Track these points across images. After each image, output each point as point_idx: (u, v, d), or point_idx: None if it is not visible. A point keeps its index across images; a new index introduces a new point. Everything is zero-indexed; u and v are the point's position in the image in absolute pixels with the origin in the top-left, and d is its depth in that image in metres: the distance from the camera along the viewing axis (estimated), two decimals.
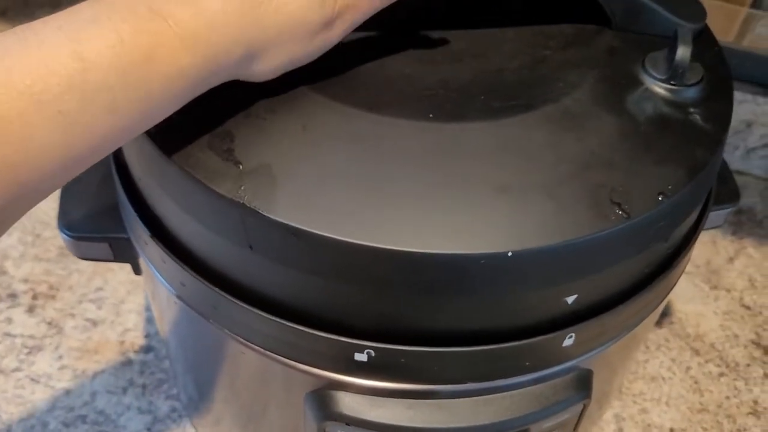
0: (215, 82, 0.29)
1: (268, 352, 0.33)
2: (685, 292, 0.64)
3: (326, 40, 0.31)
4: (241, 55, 0.28)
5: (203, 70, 0.27)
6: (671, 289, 0.37)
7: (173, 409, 0.54)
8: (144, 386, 0.55)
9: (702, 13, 0.38)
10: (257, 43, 0.28)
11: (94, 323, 0.58)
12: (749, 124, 0.69)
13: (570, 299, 0.30)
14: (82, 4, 0.26)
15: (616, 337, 0.34)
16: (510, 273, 0.28)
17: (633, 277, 0.33)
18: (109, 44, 0.25)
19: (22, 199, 0.25)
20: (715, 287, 0.65)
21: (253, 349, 0.33)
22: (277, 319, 0.30)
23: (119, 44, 0.25)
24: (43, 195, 0.26)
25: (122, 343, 0.57)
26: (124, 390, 0.54)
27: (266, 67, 0.30)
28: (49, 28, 0.25)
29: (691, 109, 0.34)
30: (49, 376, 0.55)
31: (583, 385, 0.34)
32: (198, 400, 0.47)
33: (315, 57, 0.31)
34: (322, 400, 0.33)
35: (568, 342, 0.32)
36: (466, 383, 0.32)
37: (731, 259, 0.67)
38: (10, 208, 0.25)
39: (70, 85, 0.24)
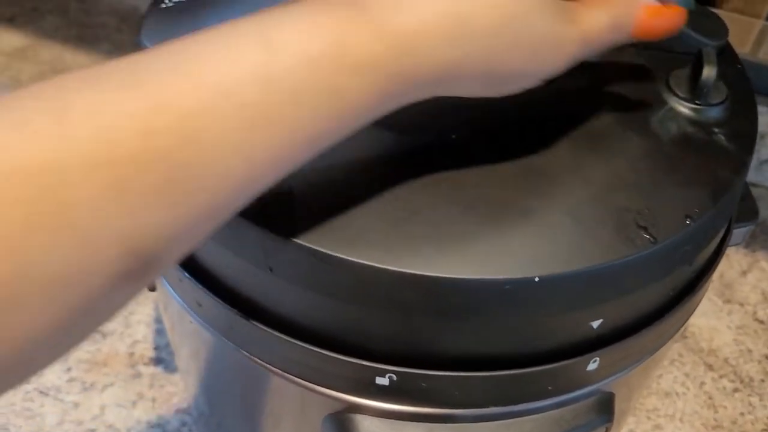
0: (414, 92, 0.25)
1: (286, 374, 0.32)
2: (699, 306, 0.63)
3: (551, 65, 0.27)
4: (446, 60, 0.25)
5: (397, 66, 0.24)
6: (694, 311, 0.36)
7: (183, 423, 0.53)
8: (154, 400, 0.54)
9: (724, 29, 0.37)
10: (464, 45, 0.25)
11: (103, 335, 0.58)
12: (762, 136, 0.69)
13: (595, 323, 0.30)
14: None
15: (640, 360, 0.34)
16: (536, 298, 0.28)
17: (658, 300, 0.32)
18: (298, 27, 0.23)
19: (207, 219, 0.23)
20: (728, 301, 0.64)
21: (271, 371, 0.33)
22: (298, 342, 0.30)
23: (313, 27, 0.23)
24: (215, 217, 0.24)
25: (131, 355, 0.57)
26: (134, 403, 0.54)
27: (471, 82, 0.26)
28: (242, 22, 0.23)
29: (716, 129, 0.33)
30: (58, 389, 0.54)
31: (605, 408, 0.34)
32: (209, 416, 0.47)
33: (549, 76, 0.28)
34: (340, 423, 0.32)
35: (592, 366, 0.31)
36: (487, 407, 0.32)
37: (744, 273, 0.66)
38: (193, 229, 0.23)
39: (254, 74, 0.22)
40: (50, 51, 0.83)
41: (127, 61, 0.23)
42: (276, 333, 0.30)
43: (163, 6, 0.36)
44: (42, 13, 0.88)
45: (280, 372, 0.32)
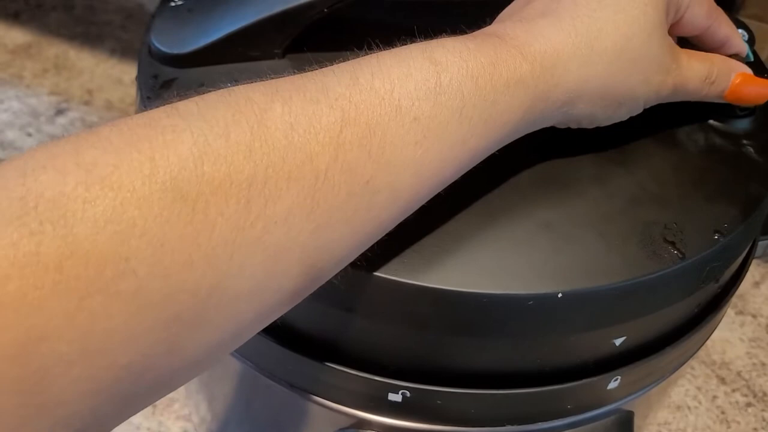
0: (548, 113, 0.27)
1: (295, 388, 0.31)
2: None
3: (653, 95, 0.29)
4: (578, 77, 0.27)
5: (541, 83, 0.25)
6: (716, 328, 0.35)
7: (184, 430, 0.52)
8: (154, 406, 0.53)
9: (751, 39, 0.36)
10: (593, 63, 0.27)
11: None
12: None
13: (618, 341, 0.29)
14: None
15: (661, 378, 0.33)
16: (558, 314, 0.27)
17: (682, 317, 0.31)
18: (458, 49, 0.24)
19: (373, 236, 0.24)
20: (740, 312, 0.63)
21: (280, 384, 0.32)
22: (308, 357, 0.29)
23: (467, 50, 0.24)
24: (375, 236, 0.24)
25: None
26: None
27: (591, 104, 0.28)
28: (405, 47, 0.24)
29: (744, 141, 0.32)
30: None
31: (624, 428, 0.32)
32: (211, 423, 0.45)
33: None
34: None
35: (613, 385, 0.30)
36: (503, 426, 0.30)
37: (757, 284, 0.65)
38: (361, 247, 0.24)
39: (426, 88, 0.23)
40: (54, 48, 0.82)
41: (309, 76, 0.23)
42: (285, 348, 0.29)
43: (173, 4, 0.35)
44: (46, 10, 0.87)
45: (288, 386, 0.31)
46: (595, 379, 0.29)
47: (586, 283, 0.26)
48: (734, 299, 0.63)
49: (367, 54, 0.24)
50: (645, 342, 0.30)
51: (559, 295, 0.26)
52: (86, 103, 0.76)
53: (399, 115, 0.22)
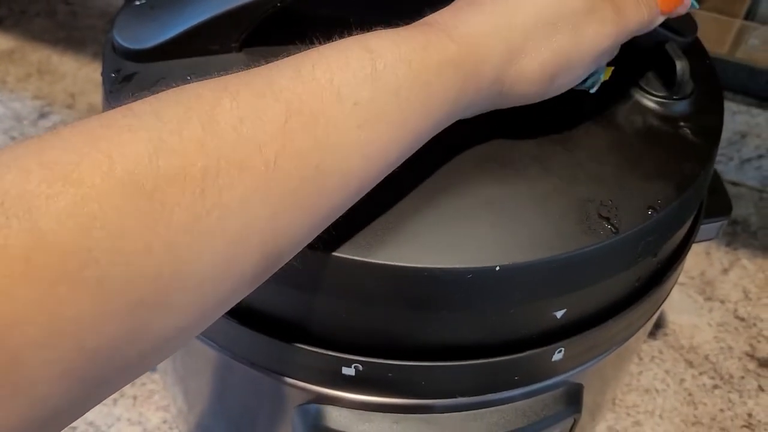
0: (480, 88, 0.28)
1: (256, 367, 0.32)
2: (679, 304, 0.64)
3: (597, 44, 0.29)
4: (502, 51, 0.28)
5: (468, 62, 0.27)
6: (662, 303, 0.37)
7: (164, 421, 0.53)
8: (135, 397, 0.54)
9: (693, 26, 0.38)
10: (514, 38, 0.28)
11: None
12: (743, 135, 0.69)
13: (559, 313, 0.30)
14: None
15: (607, 352, 0.34)
16: (498, 287, 0.28)
17: (622, 291, 0.32)
18: (391, 38, 0.26)
19: (327, 218, 0.25)
20: (709, 298, 0.64)
21: (242, 364, 0.33)
22: (263, 334, 0.30)
23: (399, 38, 0.26)
24: (330, 218, 0.25)
25: None
26: (115, 401, 0.54)
27: (529, 77, 0.29)
28: (341, 40, 0.26)
29: (682, 123, 0.34)
30: None
31: (573, 399, 0.34)
32: (187, 412, 0.47)
33: (590, 66, 0.30)
34: (310, 414, 0.33)
35: (557, 356, 0.31)
36: (455, 398, 0.32)
37: (725, 270, 0.67)
38: (316, 229, 0.25)
39: (363, 75, 0.25)
40: (38, 53, 0.83)
41: (256, 72, 0.24)
42: (241, 325, 0.31)
43: (137, 3, 0.36)
44: (30, 16, 0.88)
45: (248, 364, 0.33)
46: (539, 350, 0.31)
47: (523, 257, 0.28)
48: (703, 286, 0.65)
49: (312, 48, 0.26)
50: (587, 314, 0.31)
51: (497, 268, 0.28)
52: (69, 106, 0.77)
53: (340, 102, 0.24)
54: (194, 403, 0.44)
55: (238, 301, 0.24)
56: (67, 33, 0.86)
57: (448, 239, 0.28)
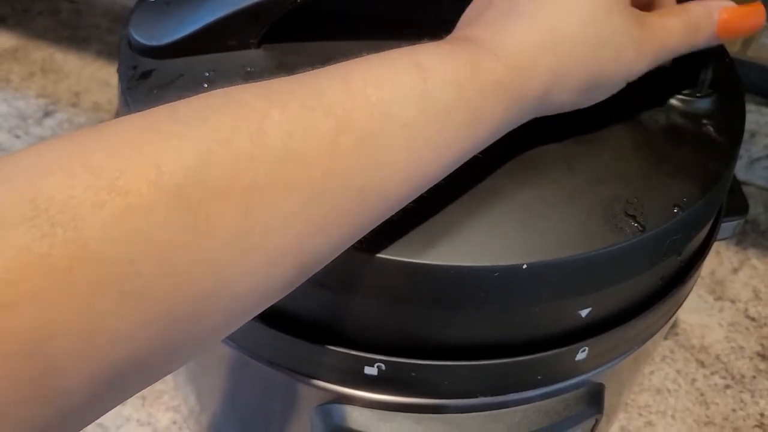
0: (525, 105, 0.27)
1: (274, 366, 0.32)
2: (690, 303, 0.63)
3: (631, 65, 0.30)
4: (549, 71, 0.27)
5: (515, 82, 0.26)
6: (683, 302, 0.36)
7: (173, 421, 0.53)
8: (143, 397, 0.54)
9: None
10: (561, 55, 0.28)
11: None
12: (753, 134, 0.69)
13: (583, 312, 0.30)
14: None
15: (629, 351, 0.34)
16: (524, 286, 0.28)
17: (647, 289, 0.32)
18: (439, 55, 0.25)
19: (356, 237, 0.25)
20: (719, 298, 0.64)
21: (259, 363, 0.33)
22: (286, 335, 0.30)
23: (448, 56, 0.25)
24: (365, 232, 0.25)
25: None
26: (123, 402, 0.53)
27: (568, 92, 0.29)
28: (391, 51, 0.25)
29: (705, 121, 0.34)
30: None
31: (595, 399, 0.34)
32: (199, 412, 0.46)
33: (620, 85, 0.30)
34: (330, 413, 0.32)
35: (581, 356, 0.31)
36: (476, 397, 0.32)
37: (735, 270, 0.66)
38: (344, 247, 0.25)
39: (414, 95, 0.24)
40: (41, 52, 0.83)
41: (302, 80, 0.23)
42: (261, 324, 0.30)
43: (151, 0, 0.36)
44: (33, 15, 0.88)
45: (267, 363, 0.32)
46: (563, 350, 0.30)
47: (549, 255, 0.28)
48: (713, 285, 0.65)
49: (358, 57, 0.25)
50: (611, 314, 0.31)
51: (524, 266, 0.27)
52: (73, 105, 0.77)
53: (389, 122, 0.23)
54: (207, 402, 0.44)
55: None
56: (71, 31, 0.86)
57: (474, 237, 0.28)
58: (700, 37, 0.31)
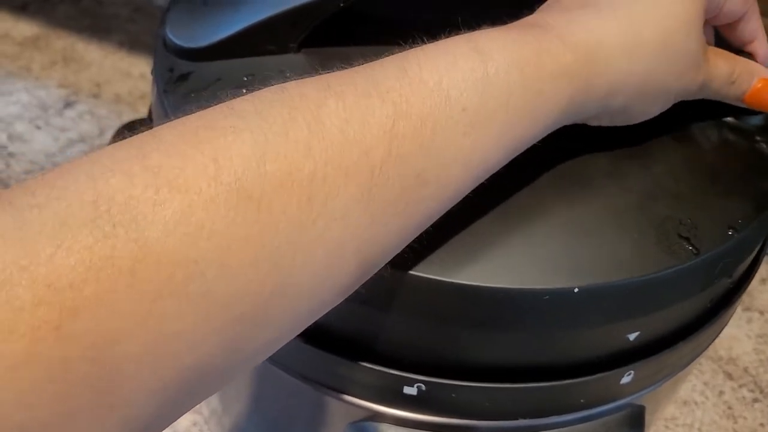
0: (589, 100, 0.27)
1: (309, 381, 0.31)
2: None
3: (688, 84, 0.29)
4: (623, 71, 0.27)
5: (584, 73, 0.26)
6: (727, 322, 0.35)
7: (194, 423, 0.52)
8: None
9: None
10: (640, 55, 0.27)
11: None
12: None
13: (632, 336, 0.29)
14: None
15: (673, 373, 0.33)
16: (574, 309, 0.27)
17: (695, 312, 0.31)
18: (501, 39, 0.24)
19: (421, 228, 0.24)
20: (747, 309, 0.63)
21: (292, 377, 0.32)
22: (323, 351, 0.29)
23: (511, 40, 0.24)
24: (424, 225, 0.24)
25: None
26: None
27: (626, 97, 0.28)
28: (449, 38, 0.24)
29: (758, 137, 0.32)
30: None
31: (636, 422, 0.33)
32: (222, 415, 0.46)
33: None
34: (364, 431, 0.31)
35: (626, 379, 0.30)
36: (516, 420, 0.31)
37: (764, 281, 0.65)
38: (409, 239, 0.24)
39: (474, 78, 0.23)
40: (62, 41, 0.82)
41: (357, 70, 0.23)
42: (299, 341, 0.29)
43: None
44: (54, 3, 0.87)
45: (300, 378, 0.31)
46: (608, 373, 0.30)
47: (601, 279, 0.27)
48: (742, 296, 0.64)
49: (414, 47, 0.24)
50: (658, 337, 0.30)
51: (576, 290, 0.26)
52: (95, 96, 0.76)
53: (448, 106, 0.23)
54: (231, 409, 0.43)
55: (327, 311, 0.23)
56: (92, 21, 0.85)
57: (524, 259, 0.27)
58: (734, 92, 0.31)
